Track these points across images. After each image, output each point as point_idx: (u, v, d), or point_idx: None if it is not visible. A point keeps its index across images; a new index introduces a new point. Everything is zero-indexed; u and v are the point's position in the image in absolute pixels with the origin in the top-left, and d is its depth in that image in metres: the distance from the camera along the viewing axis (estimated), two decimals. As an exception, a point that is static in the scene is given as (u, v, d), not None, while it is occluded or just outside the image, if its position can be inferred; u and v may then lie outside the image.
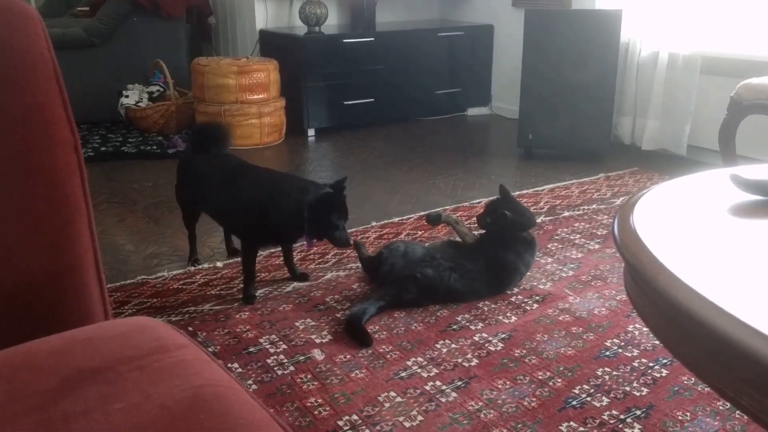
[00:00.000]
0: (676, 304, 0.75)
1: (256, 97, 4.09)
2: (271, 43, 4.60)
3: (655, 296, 0.82)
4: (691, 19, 3.67)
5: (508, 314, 2.09)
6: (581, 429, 1.55)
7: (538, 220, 2.87)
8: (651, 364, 1.80)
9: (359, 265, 2.37)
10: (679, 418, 1.58)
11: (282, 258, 2.35)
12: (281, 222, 2.08)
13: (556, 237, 2.69)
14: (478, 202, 3.11)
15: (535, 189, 3.32)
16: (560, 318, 2.06)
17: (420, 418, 1.60)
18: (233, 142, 2.60)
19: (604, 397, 1.67)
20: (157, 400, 0.77)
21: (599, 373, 1.77)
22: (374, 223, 2.85)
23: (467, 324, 2.03)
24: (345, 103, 4.46)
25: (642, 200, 1.05)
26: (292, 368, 1.81)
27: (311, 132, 4.43)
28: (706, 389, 1.68)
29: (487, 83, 5.08)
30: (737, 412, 1.58)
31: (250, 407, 0.79)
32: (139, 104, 4.38)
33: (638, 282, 0.88)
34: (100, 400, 0.77)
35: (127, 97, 4.43)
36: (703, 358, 0.75)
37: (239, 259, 2.44)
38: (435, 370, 1.79)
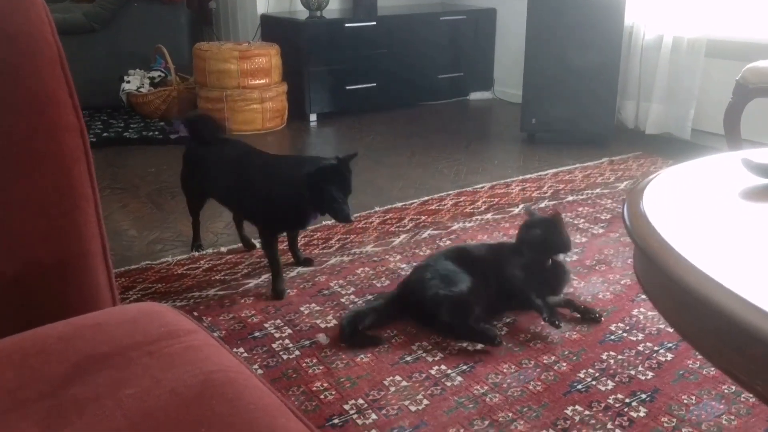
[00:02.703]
0: (689, 289, 0.74)
1: (257, 82, 4.07)
2: (273, 28, 4.57)
3: (666, 281, 0.82)
4: (695, 3, 3.64)
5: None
6: (587, 413, 1.55)
7: (542, 205, 2.86)
8: (656, 348, 1.80)
9: (363, 250, 2.37)
10: (685, 401, 1.58)
11: (286, 243, 2.34)
12: (286, 201, 2.04)
13: (560, 222, 2.68)
14: (482, 187, 3.11)
15: (539, 174, 3.31)
16: (565, 302, 2.06)
17: (426, 402, 1.60)
18: (227, 128, 2.53)
19: (609, 381, 1.67)
20: (167, 385, 0.77)
21: (604, 357, 1.77)
22: (377, 209, 2.84)
23: (472, 309, 2.03)
24: (347, 88, 4.44)
25: (651, 184, 1.04)
26: (297, 353, 1.81)
27: (313, 117, 4.42)
28: (711, 373, 1.68)
29: (490, 67, 5.06)
30: (743, 395, 1.59)
31: (261, 392, 0.79)
32: (141, 90, 4.36)
33: (649, 267, 0.88)
34: (110, 385, 0.77)
35: (128, 82, 4.41)
36: (715, 342, 0.74)
37: (240, 245, 2.46)
38: (440, 355, 1.80)
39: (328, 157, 2.04)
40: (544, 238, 1.96)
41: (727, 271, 0.74)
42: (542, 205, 2.86)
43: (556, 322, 1.85)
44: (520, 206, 2.83)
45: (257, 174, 2.13)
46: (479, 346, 1.83)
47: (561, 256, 2.01)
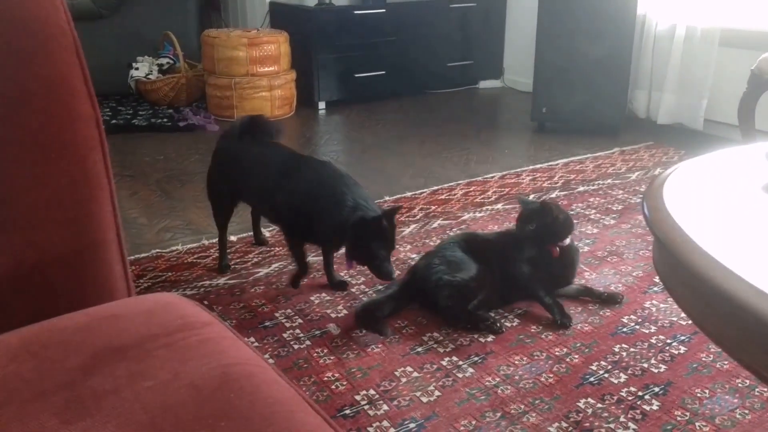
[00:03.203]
0: (713, 285, 0.73)
1: (266, 69, 4.05)
2: (281, 15, 4.55)
3: (689, 276, 0.80)
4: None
5: (524, 290, 2.08)
6: (599, 405, 1.55)
7: (553, 195, 2.85)
8: (669, 341, 1.80)
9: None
10: (698, 395, 1.57)
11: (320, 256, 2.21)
12: (323, 232, 1.94)
13: (571, 212, 2.66)
14: (492, 177, 3.09)
15: (549, 163, 3.29)
16: (576, 294, 2.05)
17: (437, 393, 1.60)
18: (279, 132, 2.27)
19: (621, 374, 1.66)
20: (185, 378, 0.76)
21: (616, 350, 1.76)
22: (387, 198, 2.83)
23: (483, 299, 2.02)
24: (356, 75, 4.42)
25: (671, 178, 1.03)
26: (308, 342, 1.81)
27: (322, 105, 4.40)
28: (725, 366, 1.67)
29: (500, 56, 5.02)
30: (757, 389, 1.58)
31: (278, 386, 0.79)
32: (149, 77, 4.35)
33: (671, 262, 0.87)
34: (128, 378, 0.76)
35: (137, 69, 4.39)
36: (739, 339, 0.73)
37: (250, 233, 2.44)
38: (451, 346, 1.79)
39: (370, 204, 1.90)
40: (541, 231, 1.93)
41: (752, 267, 0.73)
42: (553, 195, 2.85)
43: (567, 323, 1.85)
44: (531, 197, 2.82)
45: (300, 186, 1.96)
46: (490, 338, 1.82)
47: (567, 240, 1.97)
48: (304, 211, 1.93)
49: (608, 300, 1.99)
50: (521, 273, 1.95)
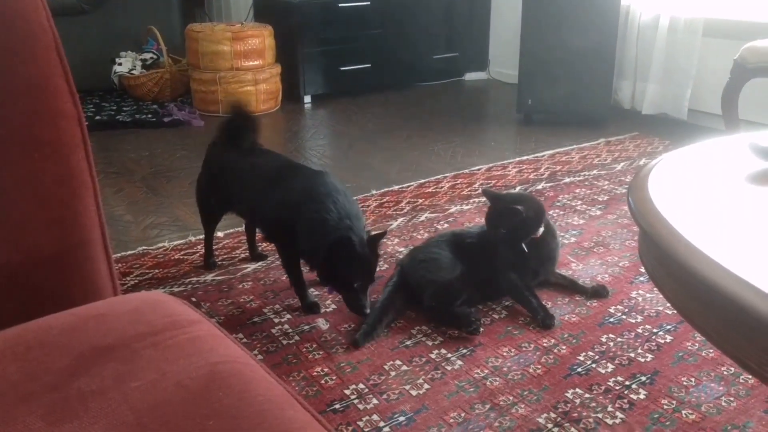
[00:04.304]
0: (697, 276, 0.74)
1: (251, 63, 4.03)
2: (265, 8, 4.52)
3: (674, 267, 0.81)
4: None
5: (512, 282, 2.08)
6: (587, 395, 1.56)
7: (539, 187, 2.86)
8: (655, 330, 1.81)
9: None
10: (684, 383, 1.59)
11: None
12: (302, 250, 1.83)
13: (558, 204, 2.68)
14: (478, 169, 3.10)
15: (536, 155, 3.30)
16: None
17: (426, 386, 1.60)
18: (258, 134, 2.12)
19: (609, 364, 1.67)
20: (173, 377, 0.76)
21: (604, 340, 1.78)
22: (374, 192, 2.83)
23: (471, 292, 2.03)
24: (341, 68, 4.41)
25: (656, 169, 1.03)
26: (297, 338, 1.81)
27: (307, 99, 4.38)
28: (711, 355, 1.69)
29: (485, 48, 5.03)
30: (742, 377, 1.60)
31: (268, 383, 0.79)
32: (133, 72, 4.32)
33: (656, 253, 0.87)
34: (115, 378, 0.76)
35: (120, 64, 4.36)
36: (724, 329, 0.74)
37: (237, 229, 2.43)
38: (440, 339, 1.80)
39: (354, 224, 1.75)
40: (512, 233, 1.90)
41: (737, 258, 0.74)
42: (539, 187, 2.86)
43: (549, 323, 1.84)
44: (517, 188, 2.83)
45: (287, 198, 1.85)
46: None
47: (540, 230, 1.93)
48: (290, 225, 1.81)
49: (593, 293, 1.98)
50: (508, 280, 1.93)
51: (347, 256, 1.71)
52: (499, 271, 1.94)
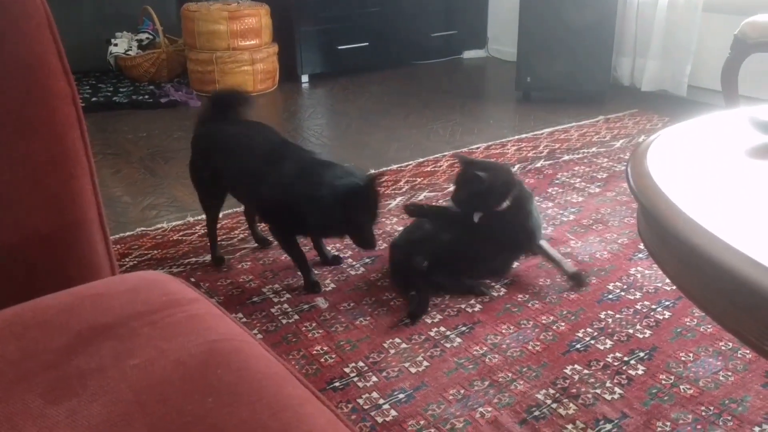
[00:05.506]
0: (697, 250, 0.74)
1: (248, 43, 4.00)
2: (262, -13, 4.47)
3: (673, 242, 0.81)
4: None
5: (511, 260, 2.08)
6: (586, 371, 1.56)
7: (537, 165, 2.85)
8: (654, 307, 1.81)
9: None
10: (682, 359, 1.59)
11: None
12: (314, 219, 1.84)
13: (557, 181, 2.67)
14: (477, 148, 3.09)
15: (534, 133, 3.28)
16: (562, 262, 2.06)
17: (426, 363, 1.61)
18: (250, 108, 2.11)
19: (607, 340, 1.68)
20: (172, 355, 0.76)
21: (602, 317, 1.78)
22: (373, 171, 2.82)
23: (470, 270, 2.03)
24: (339, 47, 4.37)
25: (654, 144, 1.03)
26: (296, 317, 1.81)
27: (305, 78, 4.36)
28: (709, 330, 1.69)
29: (484, 25, 4.99)
30: (740, 351, 1.60)
31: (266, 360, 0.79)
32: (129, 53, 4.29)
33: (655, 229, 0.87)
34: (114, 356, 0.76)
35: (116, 45, 4.32)
36: (723, 303, 0.74)
37: (234, 210, 2.42)
38: (439, 316, 1.80)
39: (356, 172, 1.85)
40: (472, 199, 1.87)
41: (737, 232, 0.74)
42: (538, 164, 2.85)
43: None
44: (515, 167, 2.82)
45: (288, 172, 1.86)
46: (477, 307, 1.83)
47: (505, 203, 1.88)
48: (291, 201, 1.84)
49: (573, 279, 1.93)
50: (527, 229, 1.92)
51: (359, 199, 1.79)
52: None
